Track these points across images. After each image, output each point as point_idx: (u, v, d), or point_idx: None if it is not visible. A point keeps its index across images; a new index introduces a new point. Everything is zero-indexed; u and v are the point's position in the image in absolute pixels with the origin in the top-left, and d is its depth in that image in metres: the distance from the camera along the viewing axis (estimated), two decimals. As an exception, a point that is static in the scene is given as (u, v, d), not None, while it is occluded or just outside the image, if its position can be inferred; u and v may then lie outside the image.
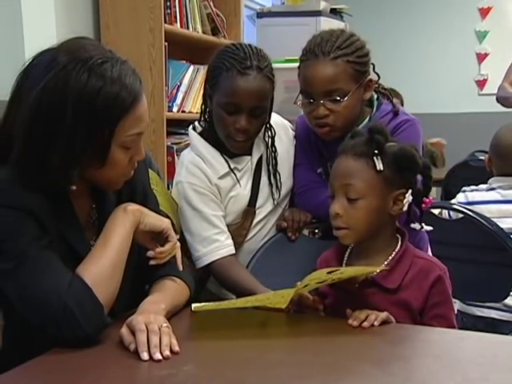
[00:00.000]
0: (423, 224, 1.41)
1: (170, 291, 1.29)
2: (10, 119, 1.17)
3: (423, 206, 1.39)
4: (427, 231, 1.54)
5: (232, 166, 1.68)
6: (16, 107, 1.15)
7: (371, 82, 1.64)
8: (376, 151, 1.33)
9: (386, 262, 1.34)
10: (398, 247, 1.37)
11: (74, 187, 1.20)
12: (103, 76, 1.12)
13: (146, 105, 1.21)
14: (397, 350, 1.12)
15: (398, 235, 1.40)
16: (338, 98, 1.57)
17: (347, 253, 1.43)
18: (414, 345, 1.16)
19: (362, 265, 1.36)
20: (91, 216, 1.29)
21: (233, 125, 1.59)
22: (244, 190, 1.70)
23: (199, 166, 1.66)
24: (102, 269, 1.16)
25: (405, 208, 1.35)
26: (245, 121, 1.58)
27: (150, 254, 1.27)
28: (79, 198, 1.25)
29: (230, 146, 1.65)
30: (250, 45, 1.64)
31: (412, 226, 1.41)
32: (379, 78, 1.70)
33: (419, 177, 1.38)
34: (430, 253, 1.68)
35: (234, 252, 1.66)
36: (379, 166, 1.32)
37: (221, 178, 1.67)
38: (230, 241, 1.66)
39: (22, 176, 1.13)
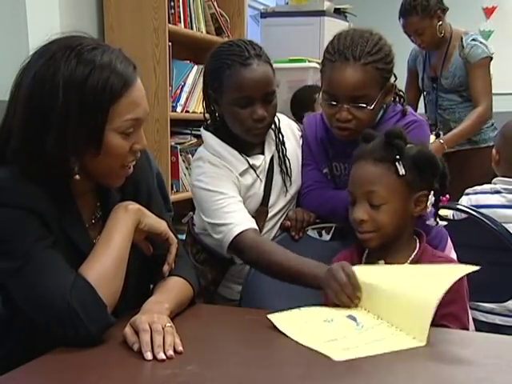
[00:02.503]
0: (438, 220, 1.42)
1: (173, 291, 1.29)
2: (9, 115, 1.18)
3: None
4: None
5: (251, 163, 1.67)
6: (15, 103, 1.16)
7: (392, 86, 1.62)
8: (398, 156, 1.34)
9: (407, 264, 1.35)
10: (417, 248, 1.39)
11: (78, 177, 1.18)
12: (92, 62, 1.12)
13: (143, 90, 1.20)
14: (400, 350, 1.11)
15: (415, 236, 1.42)
16: (364, 105, 1.55)
17: (365, 253, 1.43)
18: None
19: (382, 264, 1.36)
20: (95, 214, 1.29)
21: (250, 117, 1.59)
22: (259, 189, 1.70)
23: (220, 161, 1.64)
24: (104, 268, 1.16)
25: (428, 209, 1.37)
26: (261, 109, 1.58)
27: (165, 269, 1.29)
28: (83, 196, 1.25)
29: (251, 138, 1.65)
30: (240, 38, 1.65)
31: (428, 222, 1.41)
32: (396, 79, 1.64)
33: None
34: (452, 251, 1.68)
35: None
36: (401, 171, 1.34)
37: (241, 174, 1.66)
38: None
39: (23, 170, 1.14)
